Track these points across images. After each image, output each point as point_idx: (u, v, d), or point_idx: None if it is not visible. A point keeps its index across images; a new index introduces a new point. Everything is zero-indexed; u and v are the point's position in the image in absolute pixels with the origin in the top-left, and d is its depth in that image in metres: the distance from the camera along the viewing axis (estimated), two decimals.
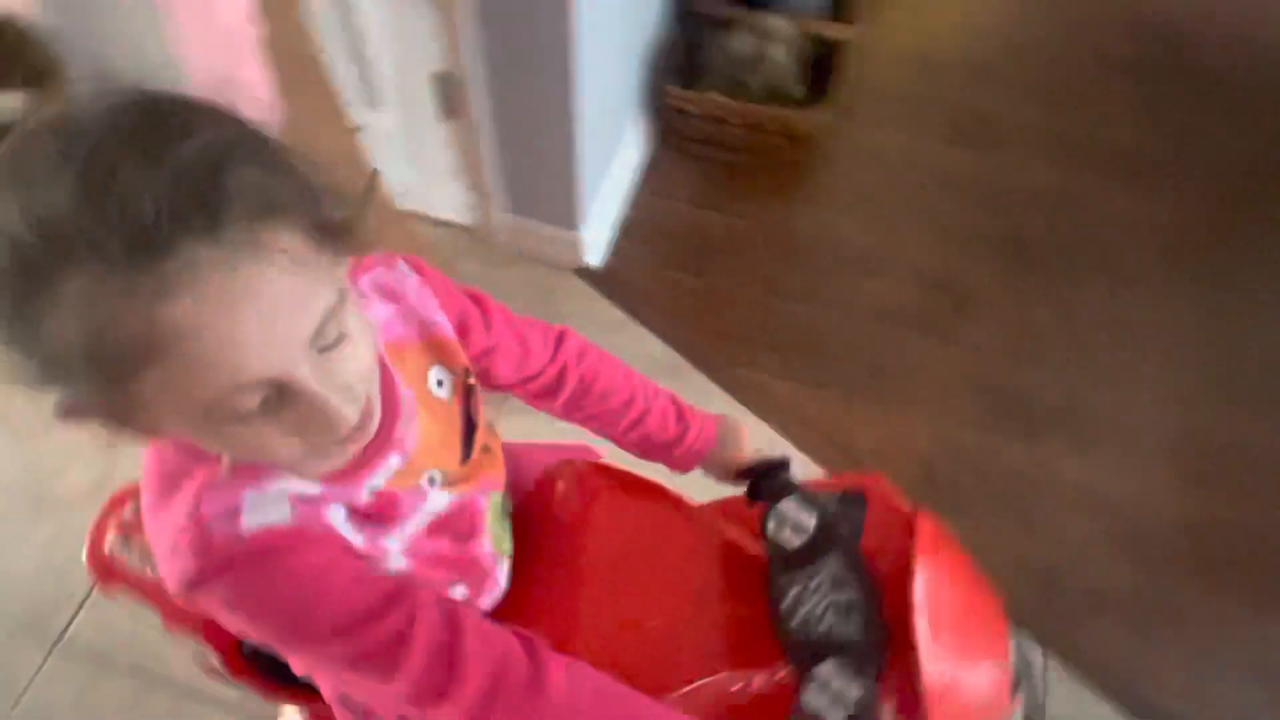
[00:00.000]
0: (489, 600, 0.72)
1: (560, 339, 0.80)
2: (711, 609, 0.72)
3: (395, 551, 0.59)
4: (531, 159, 1.59)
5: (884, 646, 0.67)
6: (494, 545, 0.71)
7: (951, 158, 1.97)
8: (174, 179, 0.38)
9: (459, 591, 0.67)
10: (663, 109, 1.89)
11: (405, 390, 0.60)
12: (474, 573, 0.69)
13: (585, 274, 1.79)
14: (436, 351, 0.66)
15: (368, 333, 0.51)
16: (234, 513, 0.50)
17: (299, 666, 0.61)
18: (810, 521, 0.71)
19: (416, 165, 1.73)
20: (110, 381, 0.41)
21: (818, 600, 0.68)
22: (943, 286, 1.77)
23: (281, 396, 0.45)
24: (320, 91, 1.25)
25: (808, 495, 0.74)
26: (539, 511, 0.79)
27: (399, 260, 0.66)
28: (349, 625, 0.51)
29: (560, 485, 0.79)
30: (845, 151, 1.98)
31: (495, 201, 1.70)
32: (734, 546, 0.76)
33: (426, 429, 0.62)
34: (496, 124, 1.54)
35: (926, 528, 0.69)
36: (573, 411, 0.81)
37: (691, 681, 0.67)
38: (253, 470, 0.51)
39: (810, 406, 1.63)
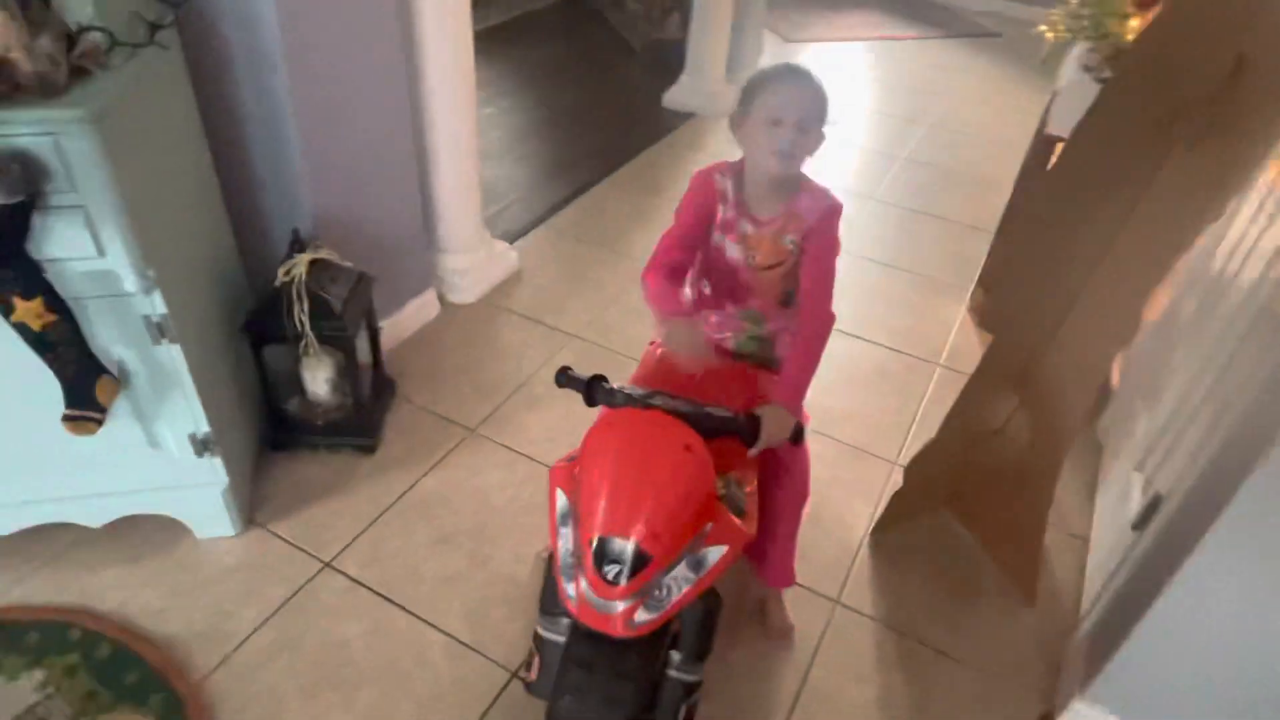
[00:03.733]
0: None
1: (819, 308, 1.41)
2: None
3: (714, 235, 1.44)
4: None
5: None
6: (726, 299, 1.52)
7: None
8: (809, 87, 1.32)
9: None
10: None
11: (777, 232, 1.40)
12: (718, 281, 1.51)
13: None
14: (795, 231, 1.40)
15: (808, 151, 1.32)
16: (710, 172, 1.42)
17: None
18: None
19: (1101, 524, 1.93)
20: (751, 102, 1.31)
21: None
22: None
23: (778, 125, 1.29)
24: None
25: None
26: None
27: (833, 201, 1.40)
28: (679, 209, 1.43)
29: None
30: None
31: None
32: None
33: (769, 240, 1.41)
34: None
35: None
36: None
37: None
38: (731, 170, 1.40)
39: None
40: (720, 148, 3.74)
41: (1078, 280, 1.48)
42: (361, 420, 1.99)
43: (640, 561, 1.17)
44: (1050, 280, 1.52)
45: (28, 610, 1.60)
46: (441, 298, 2.52)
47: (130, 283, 1.37)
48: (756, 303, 1.49)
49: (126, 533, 1.73)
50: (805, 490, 1.54)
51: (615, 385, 1.32)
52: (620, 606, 1.19)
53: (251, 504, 1.85)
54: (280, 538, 1.79)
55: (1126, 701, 1.46)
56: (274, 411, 1.96)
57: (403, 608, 1.68)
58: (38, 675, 1.49)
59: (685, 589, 1.21)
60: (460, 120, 2.30)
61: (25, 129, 1.18)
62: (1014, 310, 1.60)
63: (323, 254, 1.83)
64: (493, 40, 4.68)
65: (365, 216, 2.08)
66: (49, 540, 1.70)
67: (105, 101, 1.23)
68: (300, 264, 1.78)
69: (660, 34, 4.35)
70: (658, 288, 1.37)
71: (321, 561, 1.75)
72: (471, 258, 2.54)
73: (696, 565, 1.21)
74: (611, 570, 1.18)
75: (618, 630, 1.20)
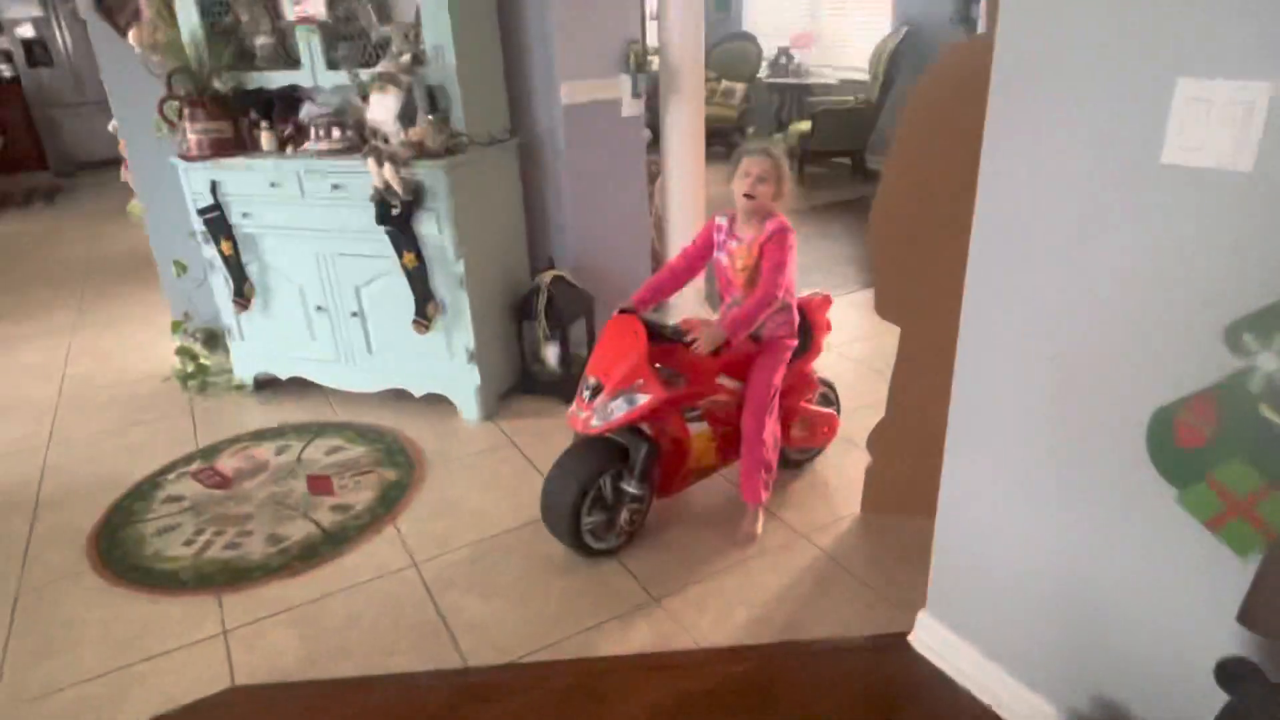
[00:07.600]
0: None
1: (765, 286, 2.21)
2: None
3: (715, 253, 2.38)
4: None
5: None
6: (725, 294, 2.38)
7: None
8: (766, 155, 2.24)
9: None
10: None
11: (749, 245, 2.27)
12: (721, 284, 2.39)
13: None
14: (760, 245, 2.24)
15: (767, 195, 2.21)
16: (716, 215, 2.37)
17: None
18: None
19: None
20: (735, 164, 2.25)
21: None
22: None
23: (746, 176, 2.19)
24: None
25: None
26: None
27: (780, 224, 2.22)
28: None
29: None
30: None
31: None
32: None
33: (745, 250, 2.27)
34: None
35: None
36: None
37: None
38: (728, 214, 2.34)
39: None
40: None
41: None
42: (567, 385, 3.17)
43: (597, 389, 2.14)
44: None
45: (378, 428, 3.08)
46: None
47: (451, 252, 2.80)
48: (738, 294, 2.33)
49: (433, 405, 3.15)
50: (760, 419, 2.26)
51: (634, 310, 2.31)
52: (586, 415, 2.15)
53: (495, 409, 3.14)
54: (500, 429, 3.04)
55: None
56: (525, 366, 3.27)
57: (536, 468, 2.76)
58: (362, 447, 2.93)
59: (622, 414, 2.11)
60: (690, 220, 3.51)
61: (421, 170, 2.70)
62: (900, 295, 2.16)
63: (563, 273, 3.14)
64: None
65: (606, 266, 3.36)
66: (401, 400, 3.18)
67: (454, 163, 2.71)
68: (547, 276, 3.10)
69: None
70: (646, 283, 2.36)
71: (512, 442, 2.94)
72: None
73: (629, 402, 2.12)
74: (586, 394, 2.16)
75: (583, 428, 2.15)
